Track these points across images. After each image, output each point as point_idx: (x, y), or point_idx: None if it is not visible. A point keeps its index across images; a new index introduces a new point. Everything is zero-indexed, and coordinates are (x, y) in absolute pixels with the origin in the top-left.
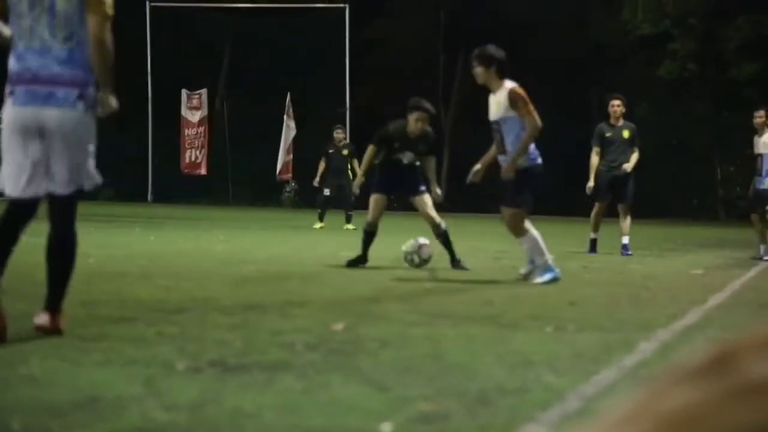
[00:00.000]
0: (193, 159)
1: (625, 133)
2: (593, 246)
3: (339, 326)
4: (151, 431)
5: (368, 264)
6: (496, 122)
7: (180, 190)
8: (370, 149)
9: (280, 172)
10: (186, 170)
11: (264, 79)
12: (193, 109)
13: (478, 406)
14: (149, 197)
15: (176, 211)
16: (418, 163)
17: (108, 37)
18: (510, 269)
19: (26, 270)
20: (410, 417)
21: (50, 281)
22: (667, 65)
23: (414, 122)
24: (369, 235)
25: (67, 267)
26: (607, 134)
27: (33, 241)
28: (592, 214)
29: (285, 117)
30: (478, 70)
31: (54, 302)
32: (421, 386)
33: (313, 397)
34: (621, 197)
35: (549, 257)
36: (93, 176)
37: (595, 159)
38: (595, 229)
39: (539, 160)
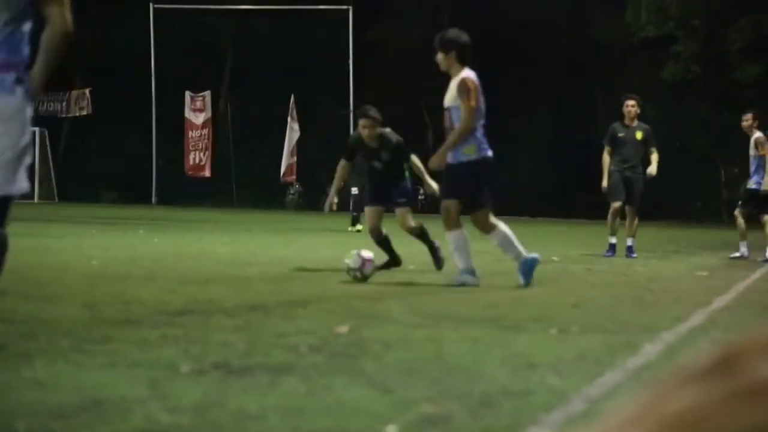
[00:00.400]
0: (197, 161)
1: (639, 135)
2: (611, 249)
3: (343, 329)
4: None
5: (402, 265)
6: (447, 109)
7: (184, 192)
8: (340, 166)
9: (284, 174)
10: (190, 172)
11: (267, 80)
12: (197, 111)
13: (482, 408)
14: (153, 199)
15: (180, 214)
16: (406, 172)
17: (71, 24)
18: (512, 272)
19: (25, 271)
20: (414, 419)
21: None
22: (671, 67)
23: (362, 130)
24: (381, 242)
25: None
26: (620, 134)
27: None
28: (608, 216)
29: (289, 119)
30: (439, 56)
31: None
32: (424, 388)
33: (317, 400)
34: (630, 199)
35: (522, 250)
36: (21, 180)
37: (606, 158)
38: (613, 232)
39: (489, 153)
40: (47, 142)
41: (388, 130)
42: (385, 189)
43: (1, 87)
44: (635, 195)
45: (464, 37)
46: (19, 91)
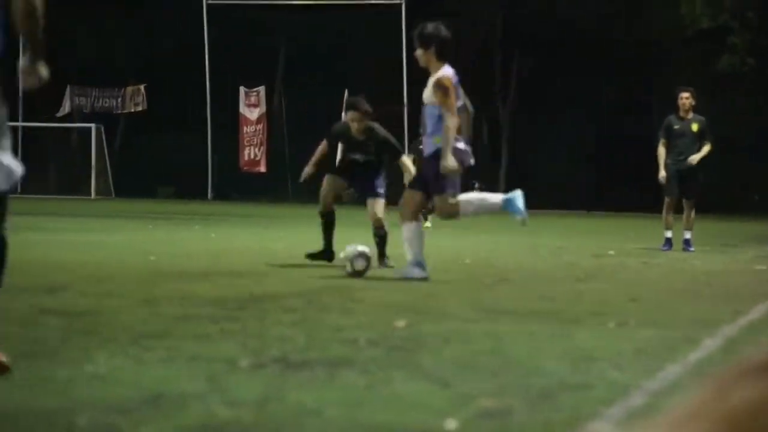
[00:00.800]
0: (252, 156)
1: (694, 127)
2: (667, 243)
3: (400, 323)
4: (214, 427)
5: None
6: (423, 105)
7: (239, 188)
8: (321, 145)
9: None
10: (245, 167)
11: (321, 75)
12: (252, 107)
13: (541, 402)
14: (209, 195)
15: (236, 209)
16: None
17: None
18: (569, 265)
19: (83, 267)
20: (473, 413)
21: None
22: (727, 59)
23: (350, 122)
24: (328, 218)
25: None
26: (675, 126)
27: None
28: (663, 209)
29: (343, 114)
30: (418, 52)
31: None
32: (483, 383)
33: (376, 394)
34: (687, 192)
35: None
36: (9, 166)
37: (662, 150)
38: (668, 226)
39: (461, 144)
40: (103, 139)
41: (377, 124)
42: (358, 177)
43: None
44: (691, 188)
45: (444, 32)
46: None
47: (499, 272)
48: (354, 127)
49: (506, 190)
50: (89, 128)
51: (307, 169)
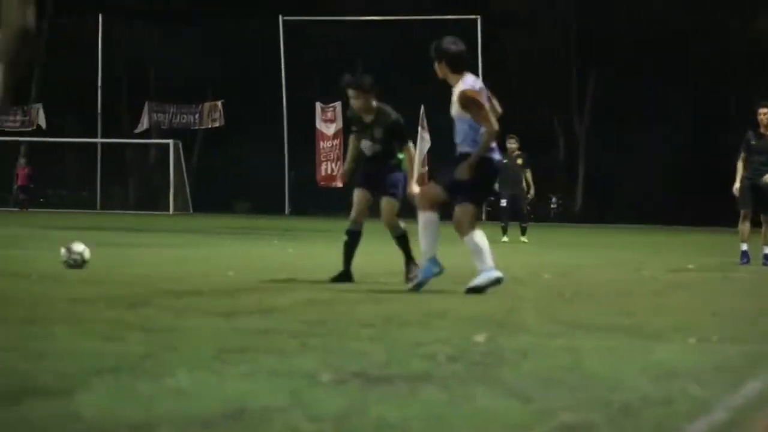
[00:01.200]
0: (329, 171)
1: None
2: (744, 256)
3: (480, 337)
4: None
5: (354, 280)
6: (453, 118)
7: (316, 203)
8: (350, 138)
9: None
10: (322, 183)
11: (396, 90)
12: (328, 122)
13: (623, 417)
14: (286, 210)
15: (313, 224)
16: (400, 157)
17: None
18: (649, 280)
19: (163, 281)
20: (554, 428)
21: None
22: None
23: (351, 101)
24: (351, 238)
25: None
26: (753, 142)
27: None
28: (739, 223)
29: (419, 129)
30: (435, 65)
31: None
32: (563, 397)
33: (457, 409)
34: (763, 207)
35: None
36: None
37: (740, 165)
38: (743, 239)
39: (496, 155)
40: (181, 154)
41: (388, 106)
42: (376, 174)
43: None
44: (767, 204)
45: (454, 47)
46: None
47: (578, 287)
48: (355, 106)
49: (583, 206)
50: (167, 144)
51: (344, 166)
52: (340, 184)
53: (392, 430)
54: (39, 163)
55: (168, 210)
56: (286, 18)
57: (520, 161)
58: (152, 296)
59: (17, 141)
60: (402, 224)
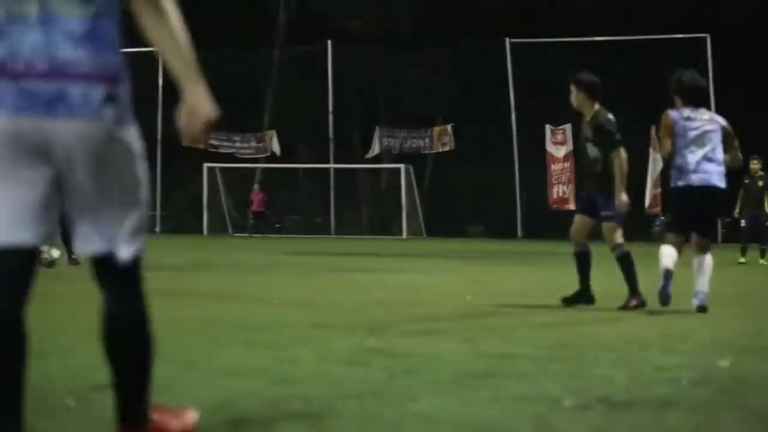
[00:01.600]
0: (560, 194)
1: None
2: None
3: (724, 362)
4: None
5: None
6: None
7: (549, 226)
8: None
9: (649, 205)
10: (554, 205)
11: (627, 110)
12: (558, 144)
13: None
14: (518, 233)
15: (547, 247)
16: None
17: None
18: None
19: (401, 307)
20: None
21: (121, 384)
22: None
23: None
24: (579, 259)
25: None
26: None
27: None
28: None
29: (651, 150)
30: (674, 98)
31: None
32: None
33: None
34: None
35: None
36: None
37: None
38: None
39: (679, 183)
40: (413, 178)
41: (604, 110)
42: (589, 193)
43: (84, 106)
44: None
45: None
46: (109, 113)
47: None
48: (579, 102)
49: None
50: (399, 168)
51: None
52: (572, 207)
53: None
54: (273, 188)
55: (401, 234)
56: (512, 40)
57: (761, 183)
58: (391, 321)
59: (252, 168)
60: (624, 245)
